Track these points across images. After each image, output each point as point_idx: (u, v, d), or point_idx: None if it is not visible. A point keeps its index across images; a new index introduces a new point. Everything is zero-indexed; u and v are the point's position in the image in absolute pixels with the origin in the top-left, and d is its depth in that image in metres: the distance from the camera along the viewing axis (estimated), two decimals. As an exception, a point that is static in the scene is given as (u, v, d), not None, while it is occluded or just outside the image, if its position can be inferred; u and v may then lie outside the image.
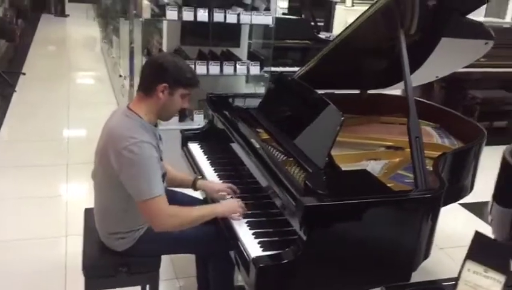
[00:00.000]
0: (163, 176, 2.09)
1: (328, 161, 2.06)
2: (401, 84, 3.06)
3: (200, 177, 2.48)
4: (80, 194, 3.85)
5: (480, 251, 1.27)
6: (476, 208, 3.92)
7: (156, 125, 2.13)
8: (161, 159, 2.07)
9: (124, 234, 2.12)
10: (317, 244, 1.76)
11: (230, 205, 2.18)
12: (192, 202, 2.38)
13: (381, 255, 1.88)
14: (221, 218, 2.17)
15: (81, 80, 7.52)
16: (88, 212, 2.44)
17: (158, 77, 2.01)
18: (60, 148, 4.67)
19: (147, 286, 2.29)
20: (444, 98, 5.43)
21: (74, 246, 3.07)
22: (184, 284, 2.88)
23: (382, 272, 1.92)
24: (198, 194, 2.55)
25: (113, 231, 2.13)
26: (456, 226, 3.68)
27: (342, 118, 2.05)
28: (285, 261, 1.74)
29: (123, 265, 2.15)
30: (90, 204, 2.45)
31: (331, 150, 2.06)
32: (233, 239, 2.04)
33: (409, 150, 2.58)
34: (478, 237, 1.32)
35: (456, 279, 1.32)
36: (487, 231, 3.70)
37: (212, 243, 2.24)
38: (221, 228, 2.19)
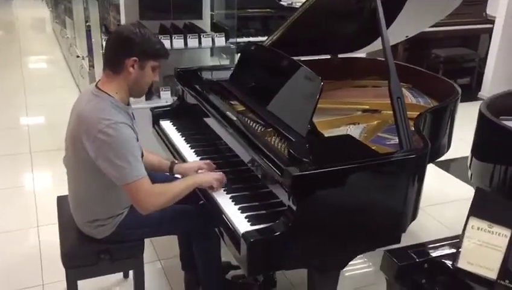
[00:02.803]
0: (141, 156, 1.99)
1: (310, 128, 2.00)
2: (371, 47, 3.07)
3: (177, 161, 2.39)
4: (48, 182, 3.69)
5: (483, 206, 1.25)
6: (444, 165, 4.00)
7: (128, 104, 2.02)
8: (137, 140, 1.97)
9: (103, 221, 2.03)
10: (307, 213, 1.72)
11: (211, 173, 2.13)
12: (172, 179, 2.31)
13: (371, 218, 1.86)
14: (205, 196, 2.11)
15: (35, 65, 7.19)
16: (61, 200, 2.33)
17: (126, 51, 1.90)
18: (21, 136, 4.45)
19: (129, 272, 2.21)
20: (407, 59, 5.46)
21: (47, 237, 2.96)
22: (167, 265, 2.81)
23: (372, 236, 1.90)
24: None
25: (92, 219, 2.03)
26: (428, 183, 3.73)
27: (322, 83, 1.99)
28: (277, 233, 1.69)
29: (104, 252, 2.06)
30: (61, 192, 2.35)
31: (312, 116, 2.00)
32: (219, 215, 1.98)
33: (386, 112, 2.61)
34: (480, 193, 1.30)
35: (460, 237, 1.31)
36: (460, 185, 3.82)
37: (196, 221, 2.18)
38: (204, 205, 2.12)
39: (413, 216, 1.97)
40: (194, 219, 2.18)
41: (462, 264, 1.31)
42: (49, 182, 3.68)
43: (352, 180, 1.76)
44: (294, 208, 1.70)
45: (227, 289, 2.50)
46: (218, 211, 1.99)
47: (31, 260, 2.78)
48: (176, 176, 2.32)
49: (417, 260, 1.42)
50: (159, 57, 1.97)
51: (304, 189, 1.70)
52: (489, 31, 5.74)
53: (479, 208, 1.26)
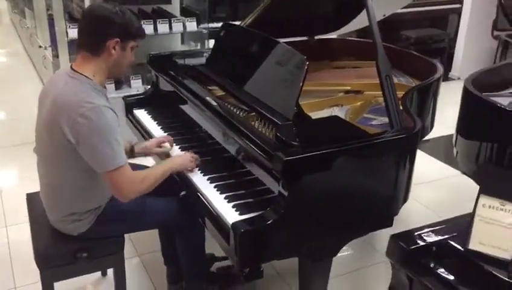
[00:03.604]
0: None
1: (297, 110, 1.91)
2: (346, 28, 3.00)
3: (134, 142, 2.28)
4: (14, 179, 3.50)
5: (494, 184, 1.19)
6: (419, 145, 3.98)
7: (104, 87, 1.90)
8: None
9: (80, 215, 1.89)
10: (299, 199, 1.63)
11: (183, 156, 2.06)
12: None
13: (364, 202, 1.79)
14: (188, 186, 2.00)
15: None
16: (31, 197, 2.18)
17: (106, 32, 1.77)
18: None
19: (108, 270, 2.09)
20: (379, 41, 5.41)
21: (17, 237, 2.79)
22: (147, 261, 2.69)
23: (365, 220, 1.83)
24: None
25: (68, 213, 1.89)
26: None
27: (307, 62, 1.90)
28: (269, 221, 1.60)
29: (82, 250, 1.93)
30: (29, 189, 2.21)
31: (298, 98, 1.90)
32: (203, 206, 1.87)
33: (368, 92, 2.55)
34: (489, 170, 1.24)
35: (471, 215, 1.24)
36: (436, 165, 3.82)
37: (178, 214, 2.07)
38: (186, 197, 2.01)
39: (405, 198, 1.92)
40: (176, 211, 2.07)
41: (473, 245, 1.25)
42: (15, 178, 3.48)
43: (344, 163, 1.69)
44: (285, 194, 1.61)
45: (212, 282, 2.40)
46: (202, 202, 1.89)
47: (1, 263, 2.61)
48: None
49: (425, 243, 1.35)
50: (139, 36, 1.87)
51: (295, 174, 1.61)
52: (458, 11, 5.76)
53: (490, 186, 1.20)
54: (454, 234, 1.37)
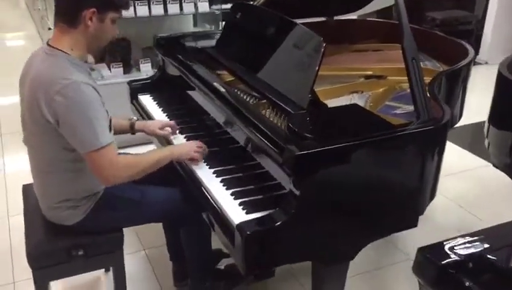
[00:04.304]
0: (109, 122, 1.72)
1: (312, 98, 1.72)
2: (368, 8, 2.77)
3: (136, 118, 2.13)
4: (20, 166, 3.36)
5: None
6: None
7: (86, 62, 1.77)
8: (102, 103, 1.69)
9: (76, 201, 1.76)
10: (312, 198, 1.46)
11: (187, 144, 1.91)
12: None
13: (386, 200, 1.60)
14: (190, 179, 1.83)
15: (6, 41, 6.77)
16: (27, 189, 2.04)
17: (81, 1, 1.62)
18: (-11, 117, 4.11)
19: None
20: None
21: (18, 228, 2.64)
22: (152, 256, 2.55)
23: (387, 220, 1.65)
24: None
25: (62, 199, 1.75)
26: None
27: (324, 44, 1.70)
28: (278, 223, 1.43)
29: (77, 247, 1.79)
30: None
31: (314, 84, 1.71)
32: (207, 202, 1.71)
33: (392, 77, 2.35)
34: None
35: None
36: (463, 155, 3.59)
37: (182, 206, 1.92)
38: (189, 189, 1.85)
39: (432, 196, 1.72)
40: (179, 202, 1.92)
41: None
42: (21, 166, 3.34)
43: (364, 157, 1.50)
44: (297, 192, 1.43)
45: (219, 280, 2.24)
46: (206, 197, 1.72)
47: (1, 255, 2.49)
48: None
49: (460, 258, 1.16)
50: (120, 7, 1.70)
51: (308, 170, 1.43)
52: (487, -9, 5.44)
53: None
54: (495, 247, 1.17)
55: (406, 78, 2.23)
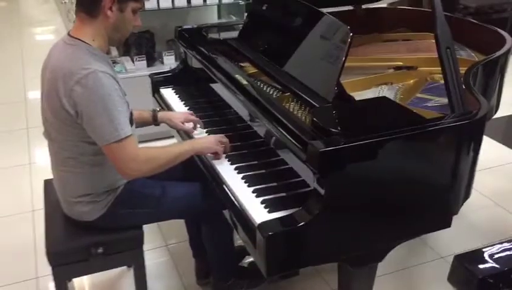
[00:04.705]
0: (131, 115, 1.68)
1: (338, 90, 1.63)
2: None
3: (159, 109, 2.07)
4: (45, 161, 3.37)
5: None
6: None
7: (107, 53, 1.72)
8: (124, 94, 1.66)
9: (97, 196, 1.73)
10: (338, 197, 1.38)
11: (209, 138, 1.84)
12: None
13: (417, 199, 1.51)
14: (211, 175, 1.77)
15: (35, 35, 6.84)
16: (48, 184, 2.01)
17: None
18: (17, 111, 4.13)
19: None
20: (434, 12, 4.97)
21: (43, 223, 2.65)
22: (175, 251, 2.51)
23: (419, 220, 1.55)
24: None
25: (81, 194, 1.72)
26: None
27: (351, 34, 1.61)
28: (301, 223, 1.35)
29: (97, 245, 1.75)
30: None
31: (340, 76, 1.62)
32: (228, 199, 1.64)
33: (423, 68, 2.23)
34: None
35: None
36: (499, 149, 3.43)
37: (202, 202, 1.87)
38: (210, 186, 1.79)
39: (467, 194, 1.62)
40: (201, 198, 1.87)
41: None
42: (46, 161, 3.36)
43: (394, 154, 1.41)
44: (321, 191, 1.35)
45: (242, 278, 2.18)
46: (227, 194, 1.66)
47: (24, 250, 2.49)
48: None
49: (502, 269, 1.06)
50: None
51: (333, 168, 1.35)
52: (524, -23, 5.20)
53: None
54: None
55: (438, 68, 2.13)
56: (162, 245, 2.54)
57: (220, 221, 1.85)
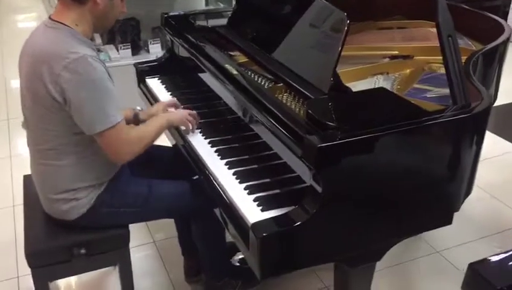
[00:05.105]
0: None
1: (333, 81, 1.54)
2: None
3: (139, 108, 2.02)
4: (27, 153, 3.25)
5: None
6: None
7: (92, 40, 1.64)
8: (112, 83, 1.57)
9: (77, 192, 1.62)
10: (337, 195, 1.29)
11: (179, 111, 1.89)
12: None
13: (418, 195, 1.43)
14: (200, 170, 1.68)
15: (17, 22, 6.65)
16: (28, 180, 1.91)
17: None
18: (-3, 101, 4.01)
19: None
20: None
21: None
22: (163, 248, 2.42)
23: (419, 217, 1.48)
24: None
25: (64, 189, 1.62)
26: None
27: (348, 21, 1.52)
28: (297, 223, 1.27)
29: (79, 245, 1.65)
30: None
31: (336, 65, 1.53)
32: (219, 197, 1.56)
33: (420, 57, 2.15)
34: None
35: None
36: (492, 140, 3.38)
37: (191, 197, 1.79)
38: (199, 182, 1.70)
39: (468, 191, 1.55)
40: (189, 194, 1.79)
41: None
42: (27, 154, 3.25)
43: (394, 149, 1.33)
44: (319, 189, 1.27)
45: (234, 276, 2.10)
46: (218, 191, 1.57)
47: (4, 247, 2.39)
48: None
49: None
50: None
51: (331, 164, 1.26)
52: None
53: None
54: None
55: (435, 58, 2.07)
56: (149, 241, 2.45)
57: (210, 219, 1.77)
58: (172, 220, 2.19)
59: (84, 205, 1.65)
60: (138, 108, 2.00)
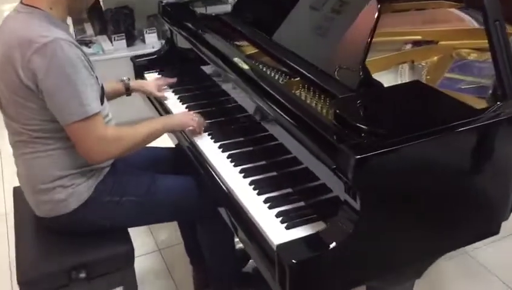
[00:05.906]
0: (102, 91, 1.50)
1: (363, 75, 1.35)
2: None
3: (126, 78, 1.91)
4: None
5: None
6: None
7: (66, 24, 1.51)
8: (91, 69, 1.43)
9: (76, 178, 1.48)
10: (377, 212, 1.11)
11: (179, 115, 1.75)
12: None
13: (467, 206, 1.25)
14: (212, 179, 1.49)
15: (4, 12, 6.39)
16: (18, 193, 1.72)
17: None
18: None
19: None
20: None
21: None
22: (169, 256, 2.24)
23: (466, 230, 1.29)
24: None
25: (58, 176, 1.46)
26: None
27: (379, 5, 1.32)
28: (331, 245, 1.08)
29: (78, 267, 1.47)
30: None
31: (366, 58, 1.34)
32: (235, 210, 1.37)
33: (444, 42, 1.95)
34: None
35: None
36: None
37: (196, 195, 1.63)
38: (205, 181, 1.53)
39: (517, 194, 1.36)
40: (195, 191, 1.63)
41: None
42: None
43: (447, 154, 1.15)
44: (356, 206, 1.08)
45: (245, 285, 1.94)
46: (234, 205, 1.38)
47: (-1, 262, 2.21)
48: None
49: None
50: None
51: (372, 177, 1.07)
52: None
53: None
54: None
55: (463, 42, 1.88)
56: (154, 249, 2.28)
57: (218, 219, 1.58)
58: (177, 227, 2.02)
59: (83, 192, 1.50)
60: (124, 78, 1.89)
